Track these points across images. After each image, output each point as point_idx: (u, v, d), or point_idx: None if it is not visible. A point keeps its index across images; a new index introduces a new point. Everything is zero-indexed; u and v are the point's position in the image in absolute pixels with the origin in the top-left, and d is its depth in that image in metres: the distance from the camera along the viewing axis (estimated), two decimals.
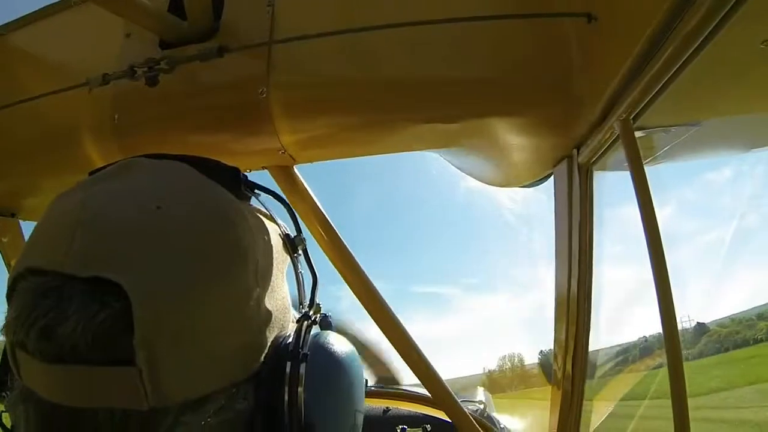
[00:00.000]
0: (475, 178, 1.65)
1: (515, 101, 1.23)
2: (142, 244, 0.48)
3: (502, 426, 2.23)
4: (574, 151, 1.33)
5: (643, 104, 1.04)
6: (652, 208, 1.06)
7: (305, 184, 1.47)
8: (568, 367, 1.46)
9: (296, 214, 0.79)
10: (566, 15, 1.15)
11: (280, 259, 0.66)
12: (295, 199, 1.45)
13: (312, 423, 0.52)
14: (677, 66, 0.90)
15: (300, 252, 0.73)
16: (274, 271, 0.60)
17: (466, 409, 1.48)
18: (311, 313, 0.66)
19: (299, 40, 1.23)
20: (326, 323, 0.74)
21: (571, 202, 1.37)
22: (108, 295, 0.45)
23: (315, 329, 0.62)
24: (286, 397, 0.51)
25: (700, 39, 0.82)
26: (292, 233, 0.77)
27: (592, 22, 1.06)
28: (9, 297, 0.50)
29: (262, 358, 0.54)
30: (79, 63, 1.49)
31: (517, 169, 1.55)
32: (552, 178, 1.48)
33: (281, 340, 0.57)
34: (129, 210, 0.50)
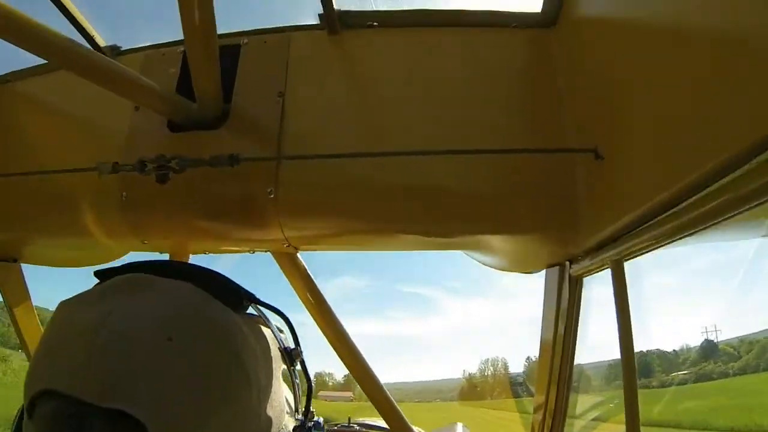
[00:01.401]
0: (475, 259, 1.71)
1: (514, 223, 1.28)
2: (156, 378, 0.51)
3: None
4: (567, 263, 1.39)
5: (638, 254, 1.09)
6: (631, 338, 1.15)
7: (306, 268, 1.53)
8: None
9: (294, 328, 0.79)
10: (574, 150, 1.20)
11: (278, 369, 0.71)
12: (296, 281, 1.51)
13: None
14: (680, 235, 0.95)
15: (297, 363, 0.76)
16: (273, 383, 0.67)
17: None
18: (305, 420, 0.72)
19: (305, 159, 1.27)
20: (318, 428, 0.79)
21: (560, 303, 1.44)
22: (125, 426, 0.48)
23: None
24: None
25: (707, 223, 0.86)
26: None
27: (598, 160, 1.11)
28: (30, 413, 0.53)
29: None
30: (88, 132, 1.50)
31: (512, 265, 1.62)
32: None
33: None
34: (143, 341, 0.52)
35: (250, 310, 0.71)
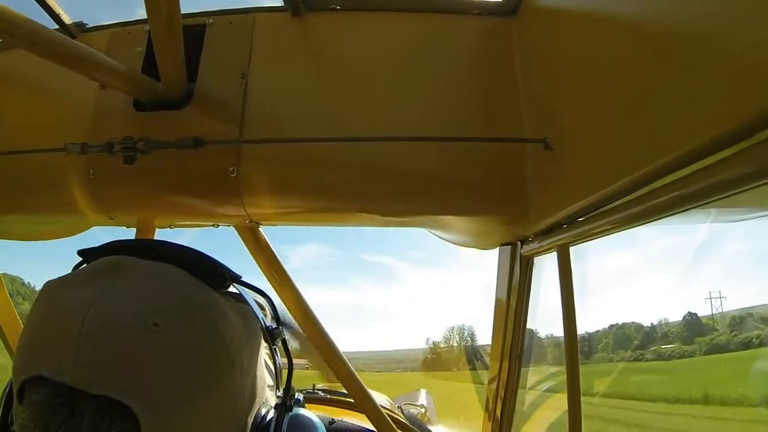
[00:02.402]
0: (435, 235, 1.78)
1: (468, 205, 1.35)
2: (145, 364, 0.53)
3: None
4: (519, 243, 1.47)
5: (582, 240, 1.17)
6: (574, 317, 1.24)
7: (268, 241, 1.58)
8: (498, 403, 1.68)
9: (276, 306, 0.83)
10: (525, 140, 1.26)
11: (259, 347, 0.74)
12: (258, 255, 1.56)
13: None
14: (628, 225, 1.00)
15: (278, 342, 0.79)
16: (256, 362, 0.69)
17: (405, 414, 1.69)
18: (286, 396, 0.74)
19: (264, 143, 1.32)
20: (299, 404, 0.81)
21: (512, 281, 1.52)
22: (116, 413, 0.51)
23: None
24: None
25: (648, 219, 0.91)
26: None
27: (548, 150, 1.17)
28: (20, 398, 0.54)
29: None
30: (53, 109, 1.50)
31: (468, 242, 1.70)
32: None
33: (261, 420, 0.67)
34: (129, 327, 0.54)
35: (232, 288, 0.73)
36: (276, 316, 0.80)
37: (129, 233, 1.60)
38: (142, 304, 0.56)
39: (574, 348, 1.24)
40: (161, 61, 1.21)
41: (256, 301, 0.76)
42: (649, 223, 0.96)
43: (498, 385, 1.67)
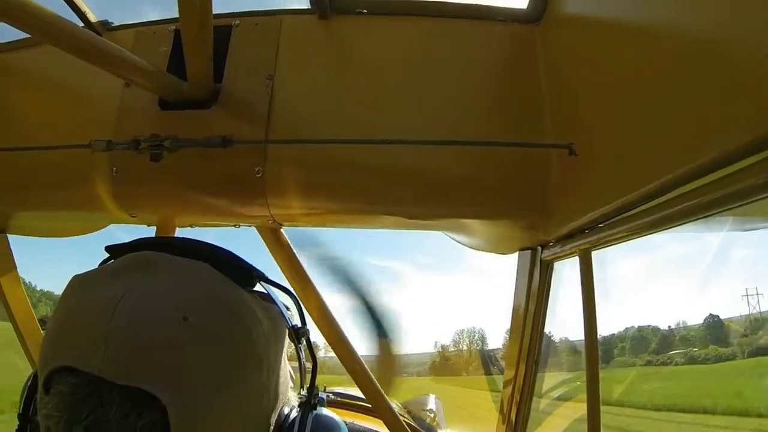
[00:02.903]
0: (453, 239, 1.79)
1: (490, 208, 1.36)
2: (174, 357, 0.54)
3: None
4: (539, 248, 1.47)
5: (605, 245, 1.18)
6: (595, 321, 1.25)
7: (289, 243, 1.59)
8: (513, 407, 1.69)
9: (302, 306, 0.83)
10: (551, 146, 1.27)
11: (285, 346, 0.75)
12: (279, 256, 1.57)
13: None
14: (650, 230, 1.01)
15: (303, 341, 0.80)
16: (281, 361, 0.69)
17: (414, 418, 1.69)
18: (310, 395, 0.75)
19: (291, 144, 1.33)
20: (322, 403, 0.82)
21: (531, 285, 1.53)
22: (144, 404, 0.51)
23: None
24: None
25: (670, 224, 0.93)
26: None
27: (573, 157, 1.18)
28: (47, 388, 0.55)
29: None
30: (77, 105, 1.52)
31: (487, 246, 1.70)
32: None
33: (285, 420, 0.68)
34: (159, 320, 0.55)
35: (258, 287, 0.73)
36: (301, 315, 0.81)
37: (148, 231, 1.61)
38: (172, 299, 0.57)
39: (594, 354, 1.25)
40: (190, 60, 1.22)
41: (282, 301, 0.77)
42: (671, 229, 0.98)
43: (513, 390, 1.68)
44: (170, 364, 0.53)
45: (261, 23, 1.46)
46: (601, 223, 1.15)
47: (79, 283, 0.62)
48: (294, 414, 0.70)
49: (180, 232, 1.61)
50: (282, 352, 0.71)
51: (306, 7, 1.45)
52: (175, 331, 0.55)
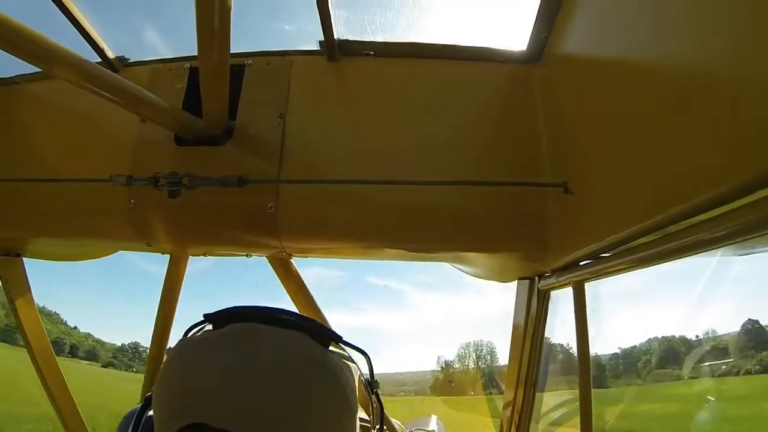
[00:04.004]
0: (456, 268, 1.86)
1: (490, 242, 1.44)
2: (297, 418, 0.64)
3: None
4: (536, 278, 1.54)
5: (598, 278, 1.25)
6: (588, 350, 1.31)
7: (299, 272, 1.66)
8: (513, 430, 1.75)
9: (372, 365, 0.92)
10: (547, 185, 1.34)
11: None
12: (289, 284, 1.64)
13: None
14: (641, 266, 1.07)
15: (376, 391, 0.92)
16: (358, 408, 0.82)
17: None
18: None
19: (303, 183, 1.41)
20: None
21: (529, 312, 1.60)
22: None
23: None
24: None
25: (661, 260, 0.98)
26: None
27: (568, 195, 1.25)
28: None
29: None
30: (94, 138, 1.58)
31: (488, 275, 1.78)
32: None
33: None
34: (272, 385, 0.65)
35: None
36: (371, 370, 0.91)
37: (162, 259, 1.68)
38: (280, 367, 0.67)
39: (587, 377, 1.31)
40: (206, 98, 1.29)
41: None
42: (662, 264, 1.05)
43: (513, 411, 1.74)
44: (293, 419, 0.63)
45: (273, 63, 1.53)
46: (595, 257, 1.22)
47: (190, 347, 0.72)
48: None
49: (193, 261, 1.68)
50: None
51: (315, 49, 1.53)
52: (286, 396, 0.64)
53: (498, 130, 1.46)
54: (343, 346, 0.84)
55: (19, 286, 1.81)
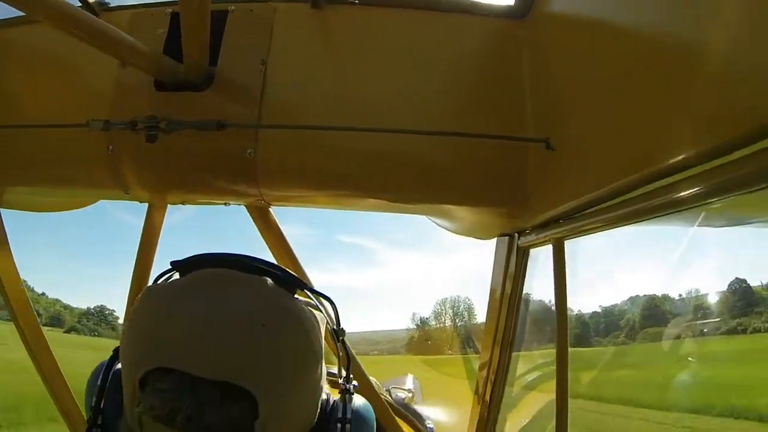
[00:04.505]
0: (434, 223, 1.86)
1: (470, 196, 1.44)
2: (257, 357, 0.65)
3: (427, 418, 2.52)
4: (516, 235, 1.55)
5: (577, 235, 1.25)
6: (565, 307, 1.33)
7: (277, 222, 1.65)
8: (488, 387, 1.77)
9: (338, 312, 0.95)
10: (529, 140, 1.34)
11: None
12: (267, 234, 1.63)
13: None
14: (620, 223, 1.08)
15: (341, 340, 0.93)
16: (323, 356, 0.83)
17: (393, 398, 1.76)
18: (348, 384, 0.88)
19: (282, 128, 1.39)
20: (356, 390, 0.94)
21: (507, 270, 1.61)
22: (235, 395, 0.63)
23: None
24: None
25: (639, 218, 1.00)
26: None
27: (550, 151, 1.25)
28: (143, 383, 0.65)
29: (315, 419, 0.77)
30: (73, 84, 1.55)
31: (467, 231, 1.78)
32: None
33: (327, 405, 0.81)
34: (243, 327, 0.66)
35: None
36: (337, 317, 0.94)
37: (140, 208, 1.66)
38: (250, 309, 0.69)
39: (564, 335, 1.33)
40: (186, 43, 1.26)
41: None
42: (640, 223, 1.05)
43: (488, 371, 1.76)
44: (254, 362, 0.65)
45: (256, 10, 1.50)
46: (575, 214, 1.22)
47: (158, 294, 0.73)
48: (333, 399, 0.84)
49: (171, 210, 1.67)
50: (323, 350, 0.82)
51: None
52: (256, 335, 0.66)
53: (482, 84, 1.45)
54: (308, 293, 0.87)
55: None
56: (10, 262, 1.84)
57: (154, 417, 0.64)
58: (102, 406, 0.77)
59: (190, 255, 0.80)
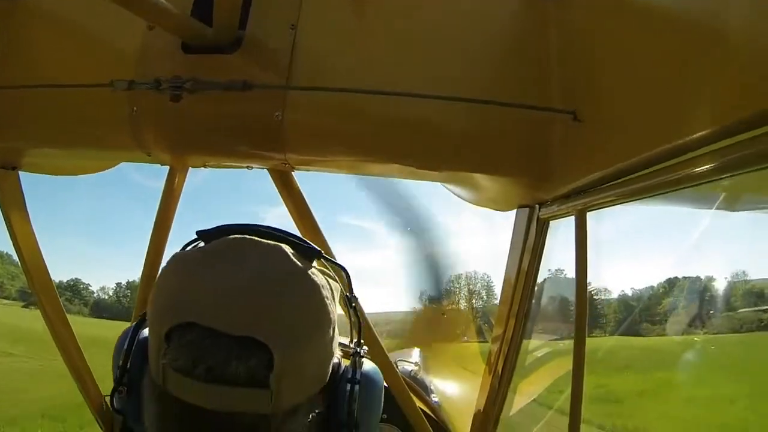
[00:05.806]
0: (453, 194, 1.88)
1: (492, 164, 1.45)
2: (276, 315, 0.71)
3: (432, 392, 2.56)
4: (537, 206, 1.56)
5: (600, 207, 1.27)
6: (585, 280, 1.34)
7: (299, 187, 1.65)
8: (501, 359, 1.79)
9: (351, 279, 1.00)
10: (557, 110, 1.35)
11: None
12: (289, 200, 1.64)
13: (359, 424, 0.82)
14: (643, 195, 1.10)
15: (354, 305, 1.01)
16: (336, 321, 0.88)
17: (400, 371, 1.79)
18: (359, 348, 0.94)
19: (312, 91, 1.39)
20: (365, 355, 0.98)
21: (526, 242, 1.62)
22: (254, 348, 0.68)
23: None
24: (347, 408, 0.81)
25: (663, 190, 1.02)
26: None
27: (576, 122, 1.26)
28: (168, 337, 0.70)
29: (327, 379, 0.81)
30: (100, 46, 1.54)
31: (486, 201, 1.79)
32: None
33: (338, 367, 0.84)
34: (262, 289, 0.72)
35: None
36: (350, 284, 1.01)
37: (161, 171, 1.66)
38: (270, 272, 0.75)
39: (583, 308, 1.34)
40: (217, 5, 1.26)
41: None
42: (664, 195, 1.07)
43: (502, 343, 1.78)
44: (271, 319, 0.71)
45: None
46: (597, 186, 1.24)
47: (185, 258, 0.80)
48: (345, 362, 0.88)
49: (193, 172, 1.67)
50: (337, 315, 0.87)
51: None
52: (274, 295, 0.73)
53: (510, 53, 1.45)
54: (324, 261, 0.93)
55: (15, 200, 1.78)
56: (28, 227, 1.84)
57: (177, 368, 0.69)
58: (128, 366, 0.82)
59: (215, 226, 0.85)
